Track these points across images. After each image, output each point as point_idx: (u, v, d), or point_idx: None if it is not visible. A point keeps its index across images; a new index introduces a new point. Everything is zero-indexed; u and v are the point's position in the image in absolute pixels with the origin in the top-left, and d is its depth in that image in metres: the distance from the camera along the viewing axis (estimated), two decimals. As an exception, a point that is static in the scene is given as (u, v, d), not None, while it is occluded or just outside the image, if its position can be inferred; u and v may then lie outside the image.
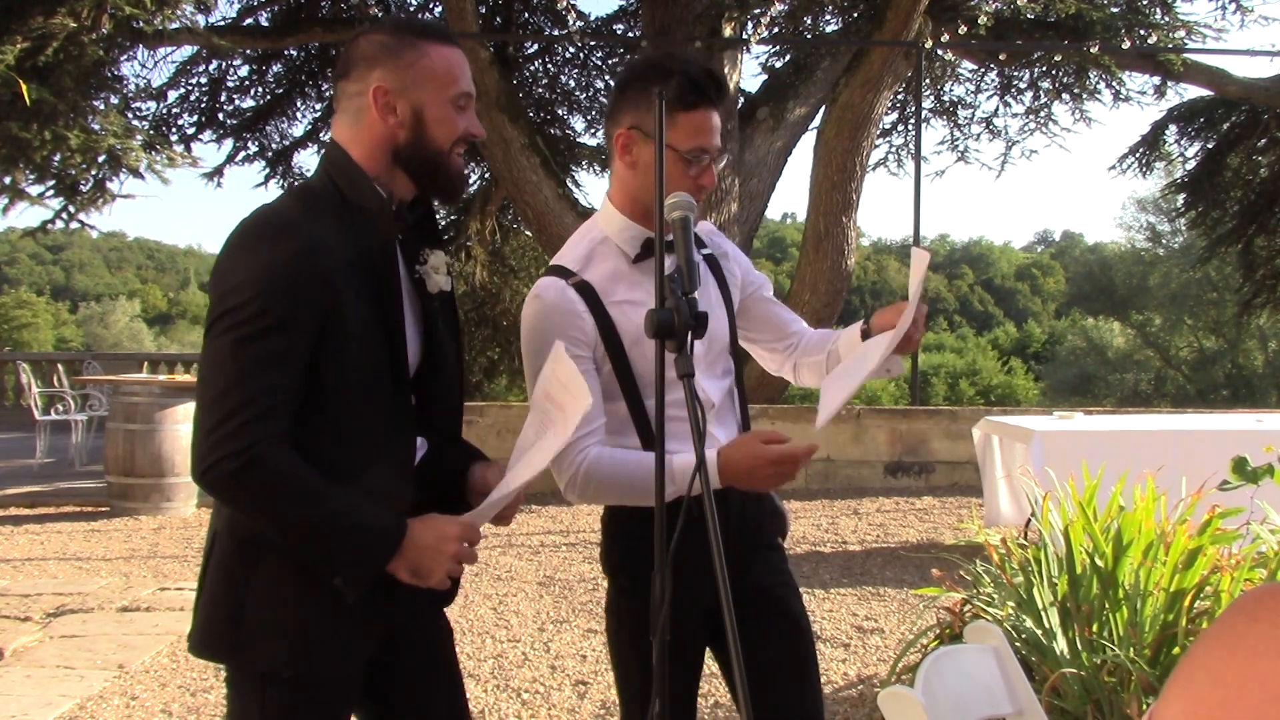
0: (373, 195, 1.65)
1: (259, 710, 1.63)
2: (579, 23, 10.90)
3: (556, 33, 11.80)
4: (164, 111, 11.92)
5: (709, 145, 1.90)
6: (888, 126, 12.58)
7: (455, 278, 1.83)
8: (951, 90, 12.78)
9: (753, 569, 1.99)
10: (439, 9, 12.10)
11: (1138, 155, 12.24)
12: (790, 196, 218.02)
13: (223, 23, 11.02)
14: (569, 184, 11.11)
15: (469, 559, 1.63)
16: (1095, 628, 2.83)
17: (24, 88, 7.19)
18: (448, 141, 1.68)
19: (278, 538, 1.57)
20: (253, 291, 1.52)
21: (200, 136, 12.19)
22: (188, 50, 11.19)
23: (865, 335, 2.07)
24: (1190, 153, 12.29)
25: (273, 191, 13.16)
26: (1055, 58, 10.74)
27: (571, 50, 12.27)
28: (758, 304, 2.16)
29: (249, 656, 1.61)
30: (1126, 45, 9.85)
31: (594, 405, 1.92)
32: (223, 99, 12.25)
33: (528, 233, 13.21)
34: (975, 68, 12.03)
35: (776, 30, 10.64)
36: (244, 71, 12.29)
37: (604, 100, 12.73)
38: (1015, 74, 11.80)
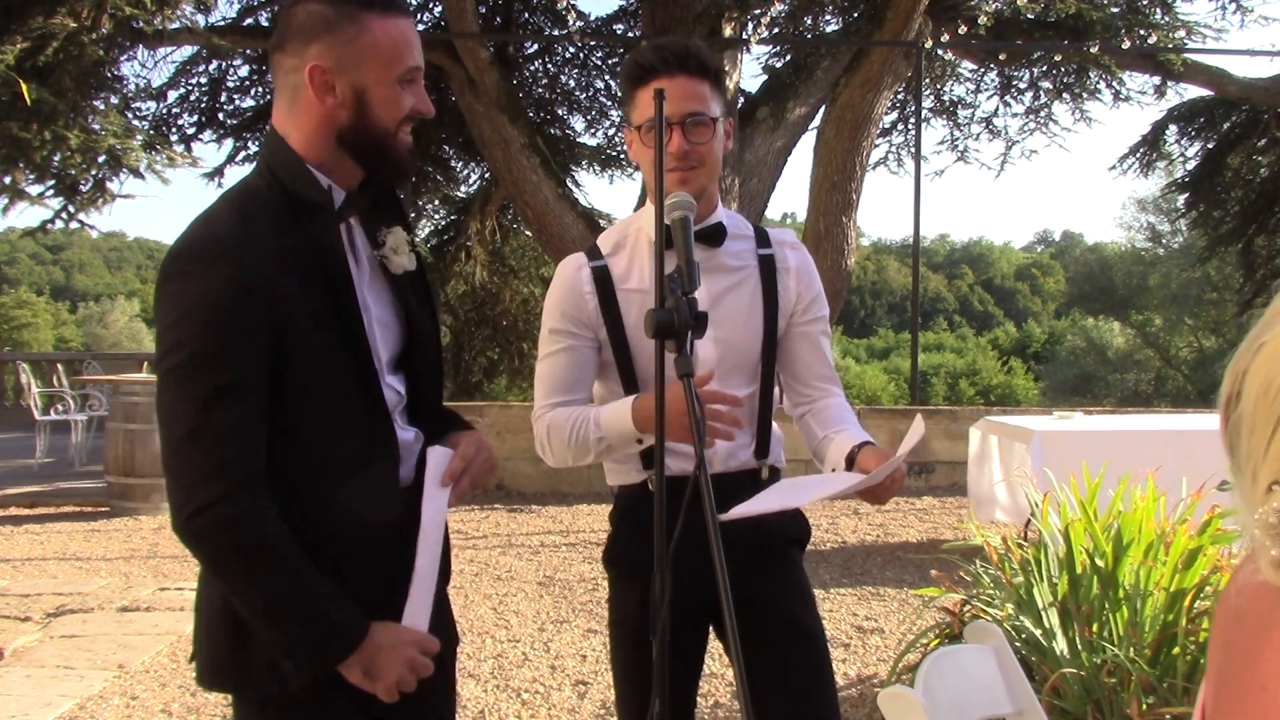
0: (312, 187, 1.54)
1: None
2: (579, 23, 10.90)
3: (556, 33, 11.79)
4: (164, 111, 11.91)
5: (669, 114, 1.83)
6: (888, 126, 12.57)
7: (417, 250, 1.69)
8: (951, 90, 12.77)
9: (755, 578, 1.94)
10: (439, 8, 12.10)
11: (1138, 155, 12.23)
12: (790, 196, 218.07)
13: (223, 23, 11.01)
14: (569, 184, 11.11)
15: (423, 670, 1.56)
16: (1095, 628, 2.83)
17: (24, 88, 7.19)
18: (394, 122, 1.56)
19: (237, 605, 1.50)
20: (190, 328, 1.44)
21: (200, 136, 12.17)
22: (188, 50, 11.18)
23: (850, 461, 1.92)
24: (1190, 153, 12.28)
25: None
26: (1055, 58, 10.73)
27: (571, 50, 12.27)
28: (795, 338, 2.03)
29: (259, 684, 1.56)
30: (1126, 45, 9.85)
31: (577, 380, 1.96)
32: (223, 99, 12.23)
33: (527, 233, 13.21)
34: (975, 68, 12.03)
35: (776, 30, 10.63)
36: (244, 71, 12.28)
37: (604, 100, 12.73)
38: (1015, 74, 11.80)
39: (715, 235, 1.95)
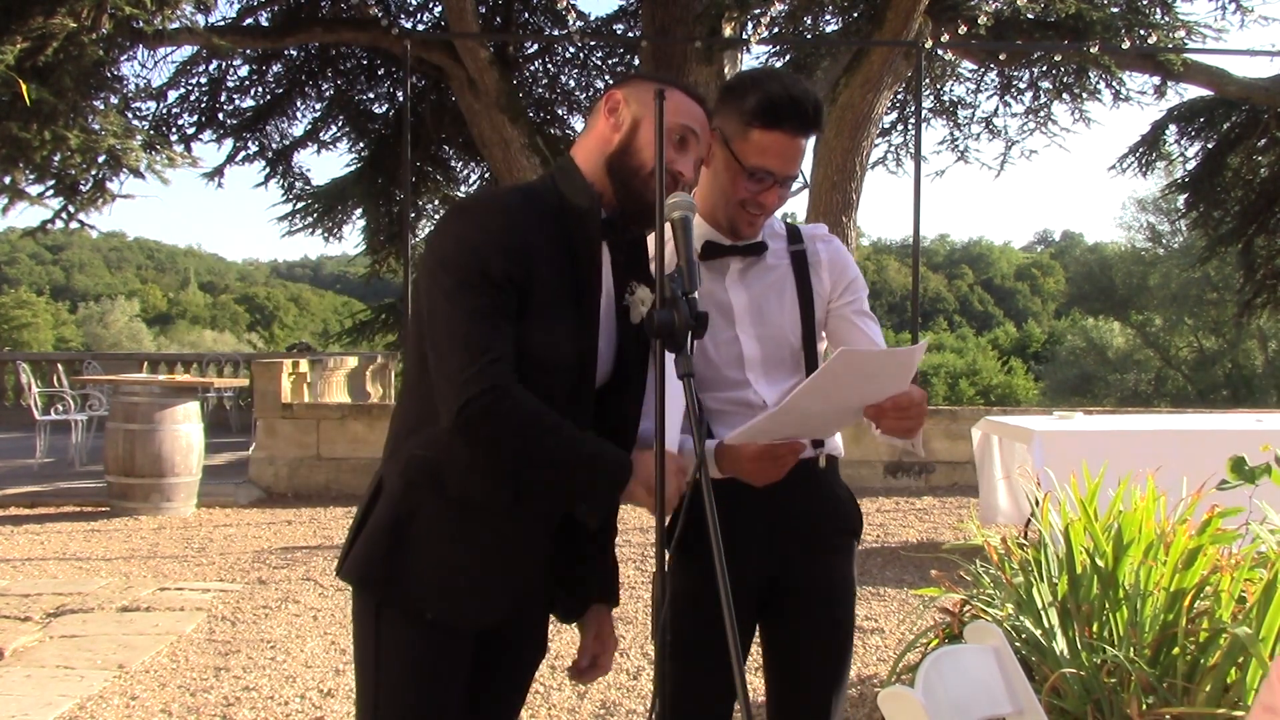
0: (585, 194, 1.80)
1: (375, 638, 1.76)
2: (579, 23, 10.89)
3: (556, 33, 11.80)
4: (164, 111, 11.92)
5: (775, 169, 1.93)
6: (888, 126, 12.58)
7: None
8: (951, 90, 12.79)
9: (805, 571, 2.04)
10: (439, 8, 12.10)
11: (1138, 155, 12.23)
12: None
13: (223, 23, 11.02)
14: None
15: (685, 472, 1.74)
16: (1095, 628, 2.82)
17: (24, 88, 7.19)
18: (652, 162, 1.76)
19: (525, 469, 1.71)
20: (463, 256, 1.70)
21: (200, 136, 12.19)
22: (188, 50, 11.19)
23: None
24: (1190, 153, 12.29)
25: (273, 192, 13.18)
26: (1055, 58, 10.73)
27: (571, 50, 12.28)
28: (835, 320, 2.14)
29: (397, 590, 1.74)
30: (1126, 45, 9.84)
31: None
32: (223, 99, 12.25)
33: (528, 233, 13.19)
34: (975, 68, 12.03)
35: (776, 30, 10.63)
36: (244, 71, 12.30)
37: (604, 100, 12.74)
38: (1015, 74, 11.80)
39: (760, 248, 2.05)
